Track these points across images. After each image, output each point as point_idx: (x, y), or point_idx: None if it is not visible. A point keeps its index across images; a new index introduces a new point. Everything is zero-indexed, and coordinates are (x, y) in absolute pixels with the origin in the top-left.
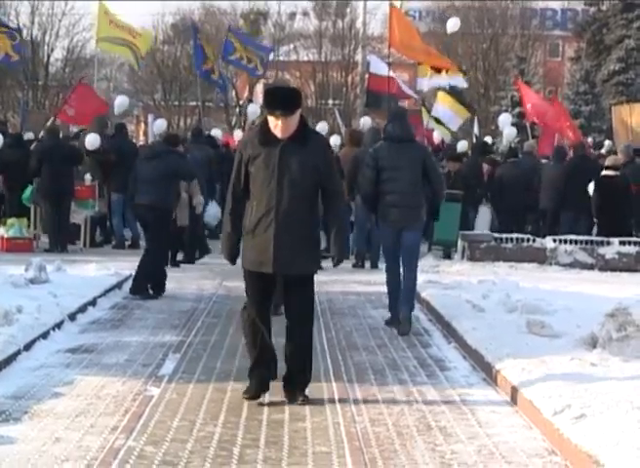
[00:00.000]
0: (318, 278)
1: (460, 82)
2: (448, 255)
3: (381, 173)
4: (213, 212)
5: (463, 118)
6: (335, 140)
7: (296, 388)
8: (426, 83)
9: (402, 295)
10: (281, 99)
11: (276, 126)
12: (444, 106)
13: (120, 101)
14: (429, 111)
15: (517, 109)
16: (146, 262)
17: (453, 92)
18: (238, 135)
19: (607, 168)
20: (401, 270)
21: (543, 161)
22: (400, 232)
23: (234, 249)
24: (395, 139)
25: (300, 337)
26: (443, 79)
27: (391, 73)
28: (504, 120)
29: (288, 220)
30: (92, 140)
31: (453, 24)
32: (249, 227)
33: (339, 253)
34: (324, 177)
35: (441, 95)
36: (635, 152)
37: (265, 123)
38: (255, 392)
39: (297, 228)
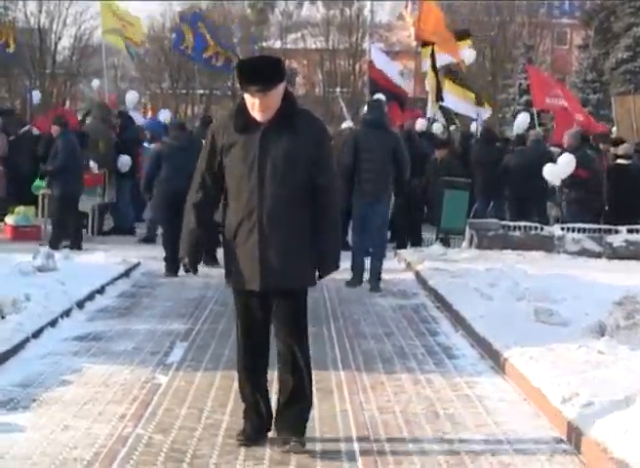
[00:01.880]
0: (332, 275)
1: (468, 55)
2: (447, 244)
3: (359, 153)
4: None
5: (472, 101)
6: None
7: (288, 426)
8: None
9: (373, 253)
10: (257, 72)
11: (253, 106)
12: (451, 94)
13: (131, 97)
14: (438, 100)
15: (525, 97)
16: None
17: (456, 77)
18: None
19: (619, 156)
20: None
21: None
22: (372, 203)
23: (197, 249)
24: (371, 126)
25: (294, 363)
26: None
27: (390, 64)
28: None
29: (274, 224)
30: (124, 162)
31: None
32: (228, 233)
33: (326, 266)
34: (316, 170)
35: (448, 83)
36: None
37: (242, 104)
38: (251, 435)
39: (285, 233)
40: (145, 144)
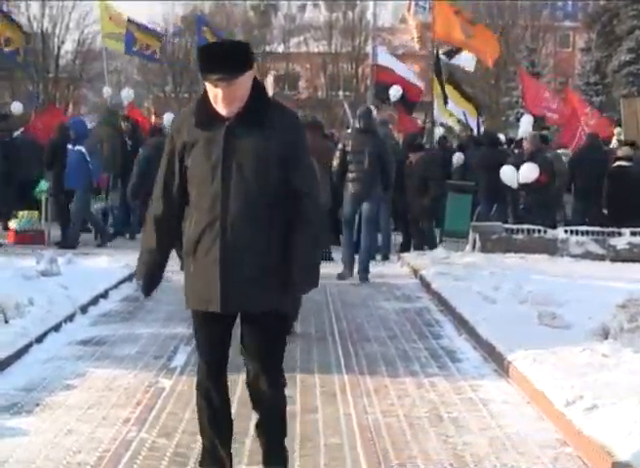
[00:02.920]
0: (329, 270)
1: (469, 61)
2: (428, 246)
3: (348, 155)
4: None
5: (470, 110)
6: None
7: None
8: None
9: (359, 256)
10: (219, 57)
11: (216, 98)
12: (450, 99)
13: (168, 117)
14: (446, 102)
15: None
16: None
17: (457, 84)
18: None
19: (620, 158)
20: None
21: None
22: (360, 202)
23: (155, 272)
24: (360, 131)
25: (261, 403)
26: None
27: (400, 64)
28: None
29: (240, 236)
30: None
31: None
32: (188, 248)
33: (301, 279)
34: (292, 173)
35: (449, 88)
36: None
37: (204, 96)
38: None
39: (254, 247)
40: (69, 146)
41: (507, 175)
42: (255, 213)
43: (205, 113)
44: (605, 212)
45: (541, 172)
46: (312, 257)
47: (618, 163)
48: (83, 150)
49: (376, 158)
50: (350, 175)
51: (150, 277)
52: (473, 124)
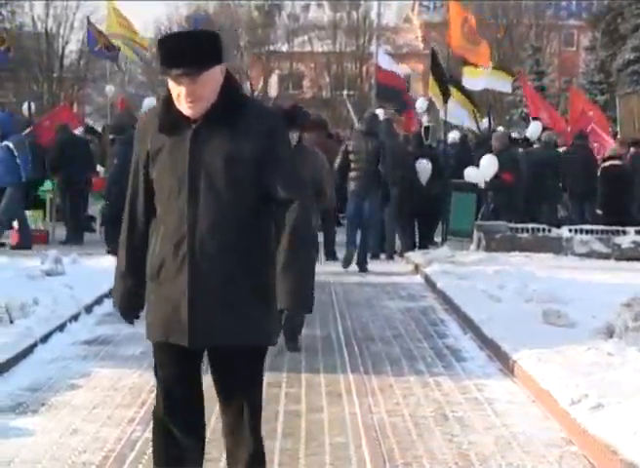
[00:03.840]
0: (333, 269)
1: (506, 87)
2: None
3: (350, 155)
4: None
5: (471, 113)
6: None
7: None
8: (475, 83)
9: (357, 248)
10: (182, 50)
11: (179, 96)
12: (452, 102)
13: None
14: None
15: None
16: None
17: (461, 87)
18: None
19: (610, 158)
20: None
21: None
22: (361, 199)
23: (130, 298)
24: (362, 133)
25: (252, 454)
26: (489, 82)
27: (397, 67)
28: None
29: (210, 258)
30: None
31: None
32: (151, 271)
33: (293, 304)
34: (274, 181)
35: (454, 91)
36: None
37: (168, 96)
38: None
39: (228, 270)
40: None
41: (472, 175)
42: (228, 230)
43: (169, 116)
44: (599, 211)
45: (507, 170)
46: (304, 279)
47: (610, 162)
48: (10, 146)
49: (373, 159)
50: (352, 175)
51: (127, 304)
52: (472, 124)
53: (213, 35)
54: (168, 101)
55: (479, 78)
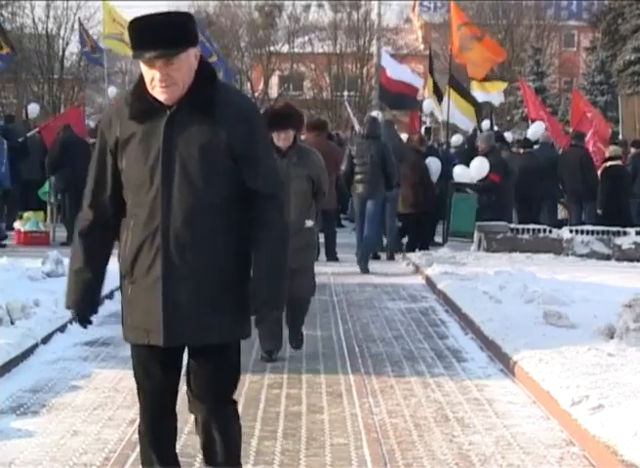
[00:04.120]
0: (334, 270)
1: (495, 98)
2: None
3: (355, 159)
4: None
5: (471, 115)
6: None
7: None
8: (487, 96)
9: (364, 240)
10: (156, 30)
11: (152, 80)
12: (452, 103)
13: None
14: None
15: None
16: None
17: (460, 88)
18: None
19: (610, 158)
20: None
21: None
22: (365, 201)
23: (87, 297)
24: (364, 136)
25: (211, 447)
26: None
27: (403, 68)
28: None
29: (186, 252)
30: None
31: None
32: (124, 268)
33: (264, 301)
34: (248, 172)
35: (452, 93)
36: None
37: (140, 81)
38: None
39: (203, 265)
40: None
41: (460, 175)
42: (203, 222)
43: (141, 102)
44: (599, 212)
45: (493, 171)
46: (276, 276)
47: (610, 163)
48: None
49: (378, 161)
50: (356, 178)
51: (82, 304)
52: (468, 125)
53: (186, 16)
54: (140, 87)
55: (488, 92)
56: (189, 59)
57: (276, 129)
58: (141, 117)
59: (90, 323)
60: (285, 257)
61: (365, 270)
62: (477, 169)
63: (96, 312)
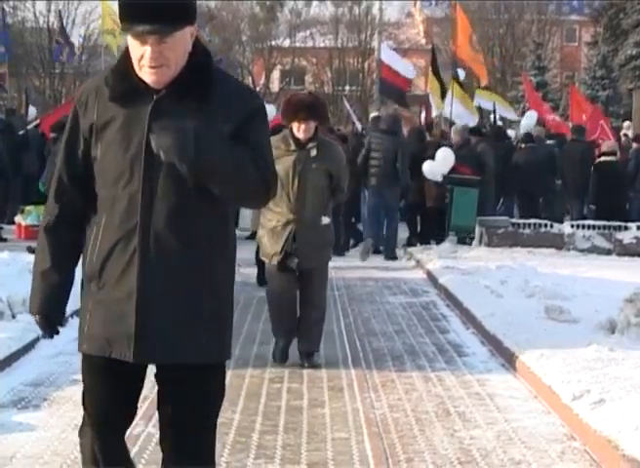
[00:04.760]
0: (335, 264)
1: (512, 114)
2: (463, 241)
3: (371, 152)
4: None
5: (473, 109)
6: None
7: None
8: (488, 104)
9: (385, 240)
10: (150, 3)
11: (142, 58)
12: (455, 98)
13: None
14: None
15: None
16: None
17: (462, 83)
18: None
19: (604, 153)
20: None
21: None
22: (381, 193)
23: (55, 301)
24: (383, 131)
25: None
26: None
27: (403, 62)
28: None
29: (166, 256)
30: None
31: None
32: (89, 272)
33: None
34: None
35: (456, 88)
36: None
37: (125, 58)
38: None
39: (186, 270)
40: None
41: (427, 170)
42: (188, 222)
43: (124, 82)
44: (592, 207)
45: (465, 163)
46: (220, 153)
47: (604, 158)
48: None
49: (392, 156)
50: (372, 171)
51: (49, 310)
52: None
53: None
54: (124, 65)
55: (491, 101)
56: (185, 39)
57: (296, 119)
58: (124, 100)
59: (57, 332)
60: (233, 168)
61: (393, 258)
62: (442, 161)
63: (63, 318)
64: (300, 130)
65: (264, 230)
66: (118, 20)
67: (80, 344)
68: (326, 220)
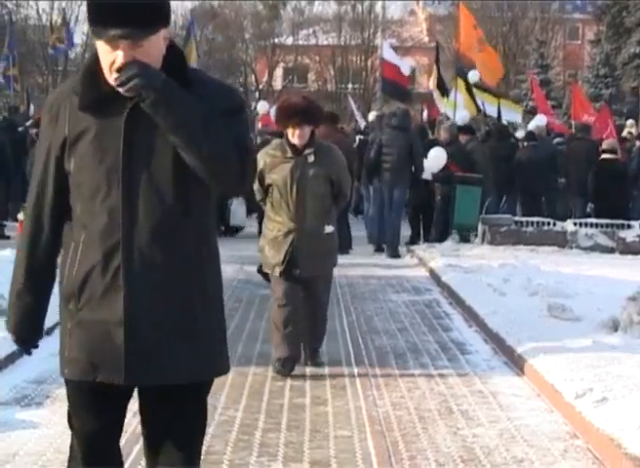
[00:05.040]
0: (338, 261)
1: (517, 117)
2: (466, 239)
3: (383, 148)
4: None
5: (472, 113)
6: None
7: None
8: (492, 109)
9: (388, 237)
10: (123, 5)
11: (113, 65)
12: (460, 98)
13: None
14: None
15: None
16: None
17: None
18: (263, 106)
19: (604, 151)
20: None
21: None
22: (392, 189)
23: (30, 321)
24: (394, 127)
25: None
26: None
27: (402, 61)
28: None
29: (152, 269)
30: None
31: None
32: (68, 290)
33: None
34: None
35: (460, 86)
36: None
37: (93, 64)
38: None
39: (174, 287)
40: None
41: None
42: (173, 235)
43: (94, 90)
44: (591, 205)
45: (453, 162)
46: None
47: (604, 156)
48: None
49: (406, 152)
50: (385, 166)
51: (25, 329)
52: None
53: None
54: (93, 71)
55: (495, 105)
56: (159, 42)
57: (290, 124)
58: (95, 109)
59: (36, 347)
60: (203, 125)
61: (396, 256)
62: (434, 159)
63: (40, 336)
64: (294, 136)
65: (266, 240)
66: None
67: (61, 369)
68: (329, 229)
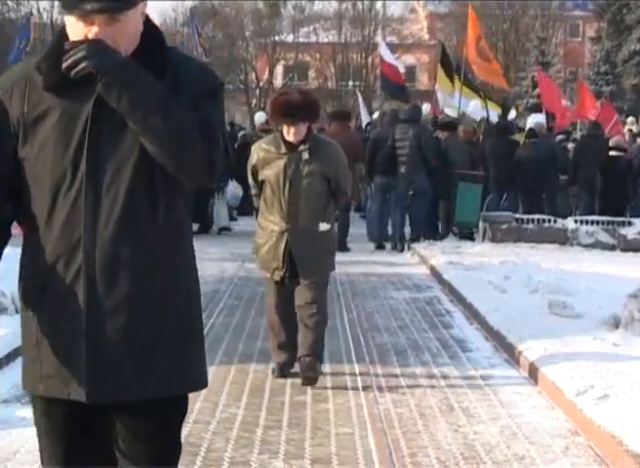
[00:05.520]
0: (339, 259)
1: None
2: (469, 237)
3: (397, 142)
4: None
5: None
6: None
7: None
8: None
9: (397, 230)
10: None
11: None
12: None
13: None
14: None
15: (537, 90)
16: None
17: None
18: (261, 117)
19: (611, 148)
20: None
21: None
22: (409, 181)
23: None
24: (403, 120)
25: None
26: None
27: (397, 61)
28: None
29: (118, 270)
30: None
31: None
32: (25, 296)
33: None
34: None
35: (457, 84)
36: None
37: (60, 39)
38: None
39: (140, 287)
40: None
41: None
42: (142, 232)
43: (60, 68)
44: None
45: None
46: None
47: (610, 153)
48: None
49: (416, 145)
50: (400, 160)
51: None
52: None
53: None
54: (59, 48)
55: (473, 100)
56: (137, 18)
57: (285, 121)
58: (61, 89)
59: None
60: (160, 102)
61: (402, 249)
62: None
63: None
64: (289, 133)
65: (261, 240)
66: None
67: (24, 383)
68: (324, 227)
